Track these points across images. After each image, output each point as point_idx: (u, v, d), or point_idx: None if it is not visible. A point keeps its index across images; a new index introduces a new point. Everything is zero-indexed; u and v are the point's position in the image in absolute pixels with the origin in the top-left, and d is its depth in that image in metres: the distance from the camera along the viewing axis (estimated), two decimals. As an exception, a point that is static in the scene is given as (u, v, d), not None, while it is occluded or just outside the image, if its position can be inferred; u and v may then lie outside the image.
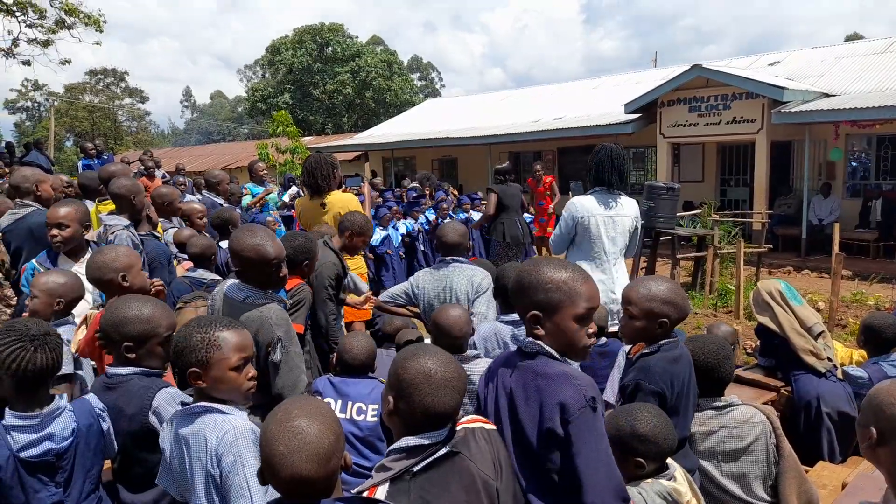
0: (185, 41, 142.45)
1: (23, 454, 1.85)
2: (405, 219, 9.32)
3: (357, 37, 46.19)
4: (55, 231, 3.28)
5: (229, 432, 1.78)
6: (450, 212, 10.28)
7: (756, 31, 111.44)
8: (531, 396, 1.71)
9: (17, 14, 19.24)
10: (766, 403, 3.54)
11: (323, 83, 43.15)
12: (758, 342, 3.97)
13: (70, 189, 5.78)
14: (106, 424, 2.01)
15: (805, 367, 3.42)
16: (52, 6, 19.26)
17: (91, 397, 2.02)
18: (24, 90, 50.07)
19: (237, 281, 2.56)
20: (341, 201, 4.59)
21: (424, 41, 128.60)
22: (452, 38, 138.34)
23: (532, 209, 10.44)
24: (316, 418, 1.40)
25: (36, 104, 54.37)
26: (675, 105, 12.86)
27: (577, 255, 4.09)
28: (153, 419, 2.06)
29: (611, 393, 3.03)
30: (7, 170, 10.44)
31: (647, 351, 2.42)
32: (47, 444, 1.89)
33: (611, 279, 4.01)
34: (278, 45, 44.13)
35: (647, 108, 13.35)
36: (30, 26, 19.65)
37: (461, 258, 3.58)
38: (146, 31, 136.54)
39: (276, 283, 2.59)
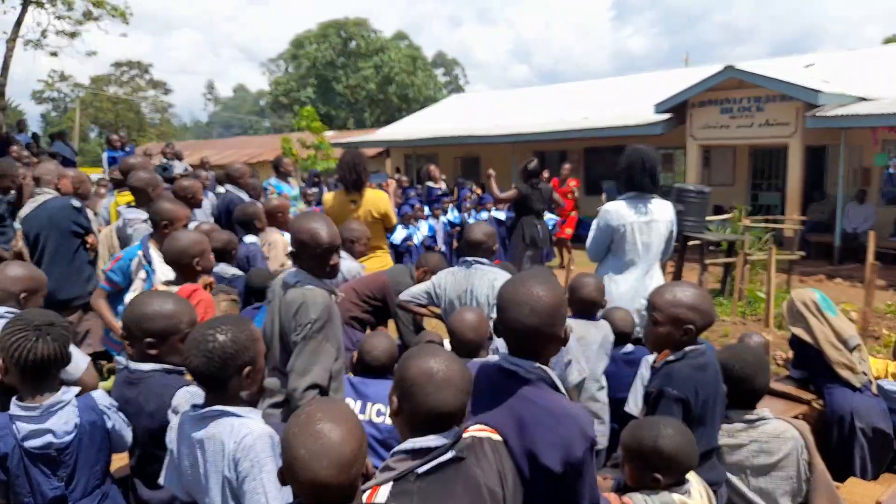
0: (208, 34, 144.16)
1: (26, 444, 1.86)
2: (427, 218, 9.24)
3: (381, 32, 46.33)
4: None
5: (247, 437, 1.75)
6: (472, 209, 10.21)
7: (791, 31, 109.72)
8: (527, 428, 1.67)
9: (47, 5, 19.52)
10: (797, 416, 3.42)
11: (346, 78, 43.30)
12: (790, 353, 3.84)
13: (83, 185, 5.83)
14: (111, 422, 1.99)
15: (839, 381, 3.31)
16: (80, -2, 19.51)
17: (98, 393, 2.00)
18: (50, 81, 50.87)
19: (296, 269, 2.56)
20: (372, 198, 4.65)
21: (449, 36, 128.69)
22: (478, 34, 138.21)
23: (557, 210, 10.30)
24: (340, 423, 1.36)
25: (62, 95, 55.17)
26: (707, 106, 12.62)
27: (611, 262, 4.03)
28: (172, 417, 2.03)
29: (633, 404, 2.94)
30: (35, 160, 10.58)
31: (671, 358, 2.36)
32: (49, 438, 1.89)
33: (644, 287, 3.92)
34: (302, 39, 44.36)
35: (678, 109, 13.11)
36: (58, 18, 19.94)
37: (485, 260, 3.49)
38: (171, 23, 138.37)
39: (328, 272, 2.55)
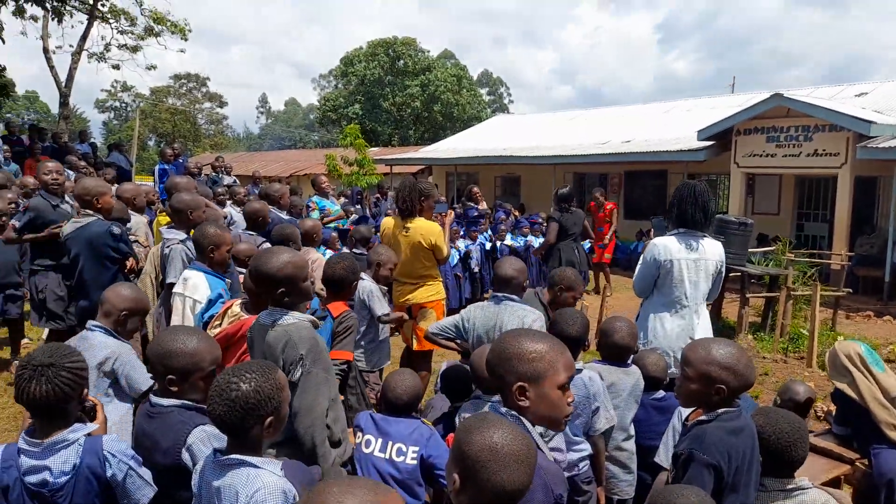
0: (264, 49, 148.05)
1: (25, 478, 1.83)
2: (464, 238, 9.22)
3: (429, 51, 46.82)
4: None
5: (259, 491, 1.73)
6: (508, 233, 10.15)
7: (842, 57, 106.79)
8: None
9: (111, 21, 20.39)
10: (840, 477, 3.27)
11: (393, 95, 43.85)
12: (833, 407, 3.68)
13: (139, 198, 5.99)
14: (111, 470, 1.89)
15: (887, 442, 3.14)
16: (142, 14, 20.34)
17: (108, 438, 1.94)
18: (113, 91, 53.00)
19: (267, 310, 2.53)
20: (424, 228, 4.71)
21: (495, 56, 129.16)
22: (523, 53, 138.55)
23: (591, 234, 10.19)
24: None
25: (123, 104, 57.46)
26: (753, 134, 12.33)
27: (657, 298, 3.95)
28: (186, 456, 2.03)
29: (664, 456, 2.85)
30: (91, 169, 11.01)
31: (703, 418, 2.24)
32: (45, 476, 1.84)
33: (690, 325, 3.83)
34: (352, 56, 45.17)
35: (722, 136, 12.85)
36: (121, 32, 20.81)
37: (514, 297, 3.45)
38: (228, 38, 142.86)
39: (309, 295, 2.54)
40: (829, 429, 3.64)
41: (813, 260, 10.00)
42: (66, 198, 5.07)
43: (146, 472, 1.98)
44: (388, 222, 5.06)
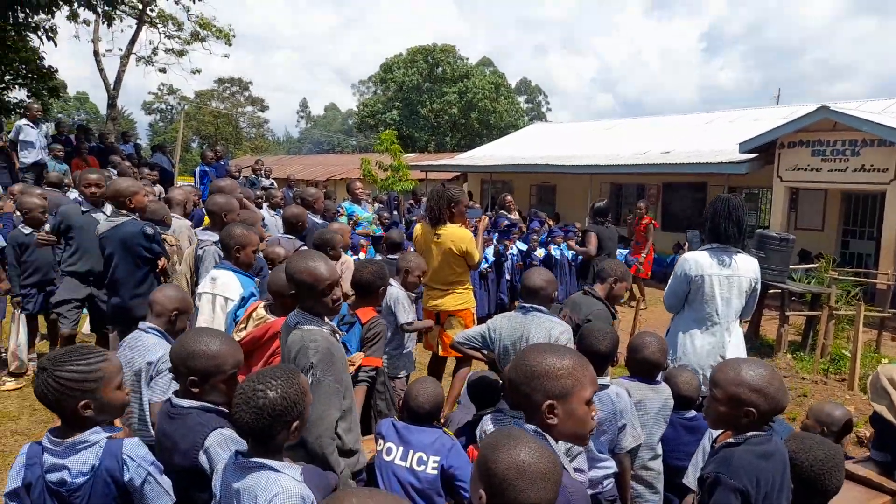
0: (305, 55, 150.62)
1: (46, 476, 1.85)
2: (492, 245, 9.15)
3: (468, 58, 46.99)
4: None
5: (278, 495, 1.74)
6: (540, 241, 10.05)
7: (892, 70, 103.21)
8: None
9: (159, 26, 21.00)
10: (878, 507, 3.12)
11: (430, 102, 44.11)
12: (872, 431, 3.52)
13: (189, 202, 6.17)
14: (129, 475, 1.88)
15: (929, 471, 2.98)
16: (188, 20, 20.91)
17: (130, 441, 1.94)
18: (159, 94, 54.52)
19: (295, 311, 2.55)
20: (456, 235, 4.71)
21: (534, 64, 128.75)
22: (563, 62, 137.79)
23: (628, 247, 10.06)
24: None
25: (169, 107, 59.05)
26: (797, 147, 12.01)
27: (688, 314, 3.86)
28: (203, 458, 2.03)
29: (693, 478, 2.76)
30: (135, 170, 11.31)
31: (731, 441, 2.16)
32: (64, 475, 1.84)
33: (721, 343, 3.73)
34: (392, 63, 45.60)
35: (765, 149, 12.54)
36: (168, 37, 21.42)
37: (542, 308, 3.40)
38: (271, 43, 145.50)
39: (331, 308, 2.53)
40: (870, 456, 3.49)
41: (858, 279, 9.67)
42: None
43: (166, 481, 1.97)
44: (418, 229, 5.07)
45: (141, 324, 2.92)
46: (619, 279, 3.92)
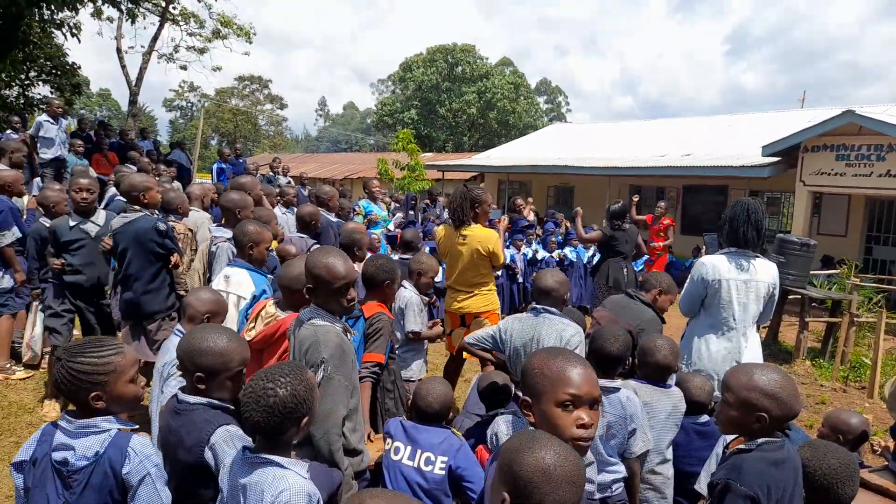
0: (325, 54, 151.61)
1: (53, 453, 1.88)
2: (508, 248, 9.13)
3: (487, 58, 46.87)
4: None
5: (285, 492, 1.74)
6: (557, 242, 9.98)
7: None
8: None
9: (181, 23, 21.20)
10: (896, 519, 3.04)
11: (449, 101, 44.10)
12: (890, 441, 3.44)
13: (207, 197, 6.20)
14: (128, 467, 1.87)
15: (950, 484, 2.90)
16: (210, 17, 21.09)
17: (139, 438, 1.94)
18: (180, 91, 55.13)
19: (308, 307, 2.55)
20: (482, 236, 4.69)
21: (555, 64, 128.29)
22: (584, 62, 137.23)
23: (645, 251, 9.96)
24: None
25: (189, 104, 59.72)
26: (821, 151, 11.82)
27: (704, 319, 3.80)
28: (208, 454, 2.03)
29: (705, 483, 2.71)
30: (153, 166, 11.43)
31: (743, 447, 2.12)
32: (68, 455, 1.87)
33: (737, 348, 3.67)
34: (411, 62, 45.68)
35: (788, 152, 12.36)
36: (190, 35, 21.61)
37: (554, 309, 3.36)
38: (291, 42, 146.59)
39: (345, 307, 2.52)
40: (887, 465, 3.41)
41: (881, 286, 9.48)
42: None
43: (165, 492, 1.95)
44: (440, 231, 5.02)
45: (176, 328, 2.98)
46: (665, 291, 3.95)
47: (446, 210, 7.00)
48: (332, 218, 6.86)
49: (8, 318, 5.41)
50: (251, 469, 1.82)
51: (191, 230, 5.11)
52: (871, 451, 3.76)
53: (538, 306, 3.40)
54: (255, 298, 3.59)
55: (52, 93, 15.84)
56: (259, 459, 1.82)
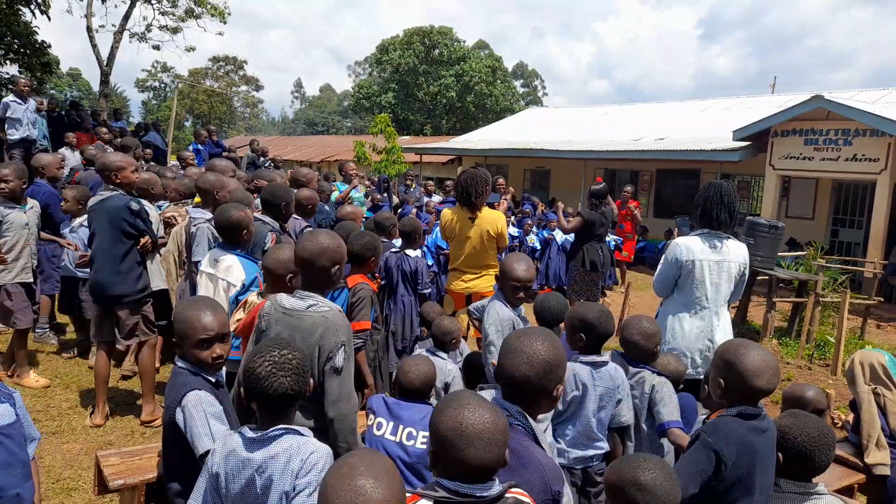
0: (301, 34, 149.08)
1: None
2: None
3: (465, 41, 46.62)
4: None
5: (314, 454, 1.87)
6: (533, 227, 10.11)
7: (890, 60, 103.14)
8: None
9: (153, 2, 20.75)
10: (853, 486, 3.24)
11: (427, 85, 43.85)
12: (850, 415, 3.63)
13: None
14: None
15: (902, 452, 3.10)
16: (183, -5, 20.68)
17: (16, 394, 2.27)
18: (152, 71, 54.00)
19: (294, 293, 2.53)
20: (491, 218, 4.78)
21: (531, 47, 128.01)
22: (560, 46, 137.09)
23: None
24: (382, 480, 1.30)
25: (162, 85, 58.51)
26: (790, 136, 12.08)
27: (677, 299, 3.91)
28: (179, 415, 2.18)
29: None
30: (111, 136, 11.29)
31: (725, 413, 2.28)
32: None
33: (709, 327, 3.79)
34: (388, 44, 45.23)
35: (758, 137, 12.61)
36: (162, 13, 21.19)
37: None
38: (266, 22, 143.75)
39: (335, 283, 2.59)
40: (846, 437, 3.60)
41: (845, 267, 9.79)
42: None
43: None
44: (448, 214, 5.00)
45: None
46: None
47: (453, 192, 7.01)
48: (312, 201, 6.88)
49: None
50: (266, 444, 1.88)
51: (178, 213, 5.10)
52: (832, 425, 3.95)
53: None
54: (244, 287, 3.56)
55: (20, 72, 15.47)
56: (275, 432, 1.89)
